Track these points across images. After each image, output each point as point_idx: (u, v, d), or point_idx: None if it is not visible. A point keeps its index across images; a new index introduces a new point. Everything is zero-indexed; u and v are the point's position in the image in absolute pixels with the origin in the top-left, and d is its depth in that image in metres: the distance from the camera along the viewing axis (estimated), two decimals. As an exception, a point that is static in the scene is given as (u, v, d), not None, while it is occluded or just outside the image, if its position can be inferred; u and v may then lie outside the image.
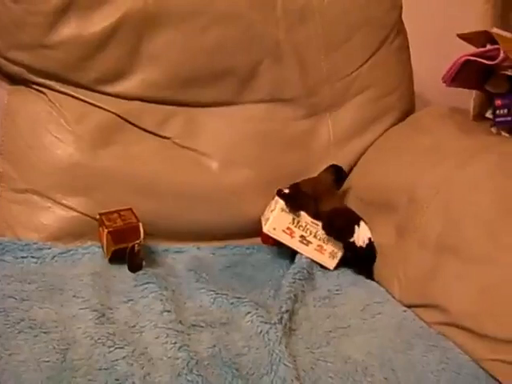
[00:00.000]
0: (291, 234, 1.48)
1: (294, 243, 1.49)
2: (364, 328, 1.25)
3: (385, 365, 1.13)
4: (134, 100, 1.61)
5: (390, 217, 1.49)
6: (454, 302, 1.24)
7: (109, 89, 1.59)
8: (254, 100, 1.69)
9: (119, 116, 1.59)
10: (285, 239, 1.49)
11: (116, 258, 1.43)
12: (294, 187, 1.54)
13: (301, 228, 1.48)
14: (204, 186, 1.60)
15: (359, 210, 1.58)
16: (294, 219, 1.49)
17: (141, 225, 1.43)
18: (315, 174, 1.67)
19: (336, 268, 1.50)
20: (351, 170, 1.72)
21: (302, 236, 1.49)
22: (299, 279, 1.39)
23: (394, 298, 1.38)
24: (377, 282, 1.44)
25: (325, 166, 1.68)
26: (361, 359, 1.14)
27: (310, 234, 1.48)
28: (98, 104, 1.58)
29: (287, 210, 1.49)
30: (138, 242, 1.40)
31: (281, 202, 1.50)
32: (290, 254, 1.52)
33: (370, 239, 1.46)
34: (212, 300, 1.32)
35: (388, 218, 1.50)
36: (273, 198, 1.55)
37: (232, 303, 1.30)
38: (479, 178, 1.34)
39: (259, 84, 1.67)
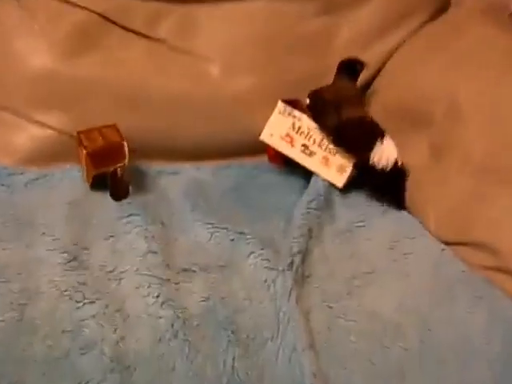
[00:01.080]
0: (291, 142, 1.23)
1: (294, 153, 1.23)
2: (393, 272, 1.00)
3: (420, 323, 0.87)
4: (117, -5, 1.31)
5: (424, 131, 1.22)
6: (505, 240, 0.98)
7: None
8: (256, -5, 1.38)
9: (101, 15, 1.30)
10: (283, 148, 1.24)
11: (98, 183, 1.19)
12: (314, 95, 1.26)
13: (302, 135, 1.22)
14: (203, 94, 1.33)
15: (386, 125, 1.29)
16: (293, 124, 1.22)
17: (125, 144, 1.18)
18: (330, 80, 1.37)
19: (357, 193, 1.22)
20: (375, 76, 1.42)
21: (304, 145, 1.22)
22: (314, 208, 1.13)
23: (429, 232, 1.11)
24: (408, 212, 1.16)
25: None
26: (390, 315, 0.89)
27: (314, 142, 1.22)
28: (76, 1, 1.28)
29: (286, 113, 1.22)
30: (120, 165, 1.14)
31: (279, 104, 1.24)
32: (304, 176, 1.25)
33: (396, 161, 1.16)
34: (209, 235, 1.08)
35: (421, 133, 1.23)
36: None
37: (233, 240, 1.07)
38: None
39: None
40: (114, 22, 1.32)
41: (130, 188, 1.18)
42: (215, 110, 1.33)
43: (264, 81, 1.36)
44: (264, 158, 1.35)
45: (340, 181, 1.21)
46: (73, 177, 1.21)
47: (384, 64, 1.42)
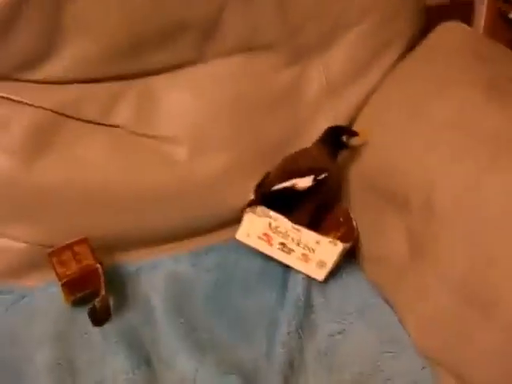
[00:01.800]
0: (269, 241, 1.20)
1: (273, 251, 1.21)
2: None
3: None
4: (68, 84, 1.21)
5: (402, 216, 1.17)
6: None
7: (32, 75, 1.20)
8: (221, 53, 1.28)
9: (53, 111, 1.22)
10: (262, 247, 1.21)
11: (79, 302, 1.17)
12: (263, 185, 1.23)
13: (280, 234, 1.19)
14: (172, 182, 1.27)
15: (363, 197, 1.25)
16: (270, 224, 1.19)
17: (99, 267, 1.15)
18: (308, 137, 1.31)
19: (336, 281, 1.21)
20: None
21: (282, 243, 1.20)
22: (295, 323, 1.12)
23: (409, 335, 1.11)
24: (390, 308, 1.15)
25: (319, 124, 1.30)
26: None
27: (292, 240, 1.19)
28: (24, 100, 1.20)
29: (261, 214, 1.19)
30: (97, 300, 1.13)
31: (256, 208, 1.21)
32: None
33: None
34: (194, 371, 1.08)
35: (399, 217, 1.18)
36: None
37: (216, 376, 1.06)
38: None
39: (225, 33, 1.26)
40: (67, 116, 1.23)
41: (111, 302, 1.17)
42: (188, 196, 1.28)
43: (238, 154, 1.29)
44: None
45: (320, 275, 1.19)
46: (51, 294, 1.19)
47: (357, 114, 1.33)
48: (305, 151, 1.26)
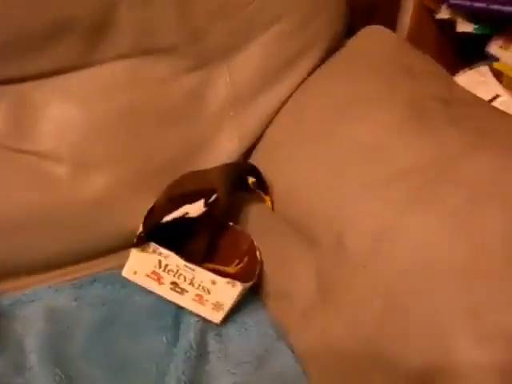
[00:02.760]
0: (159, 280, 1.05)
1: (164, 291, 1.06)
2: None
3: None
4: None
5: (311, 250, 1.05)
6: None
7: None
8: (111, 57, 1.10)
9: None
10: (151, 286, 1.07)
11: None
12: (150, 217, 1.06)
13: (171, 273, 1.04)
14: (51, 203, 1.10)
15: (266, 218, 1.12)
16: (160, 261, 1.04)
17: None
18: (208, 155, 1.16)
19: (235, 320, 1.08)
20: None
21: (173, 283, 1.05)
22: (186, 377, 0.99)
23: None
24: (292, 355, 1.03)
25: (224, 140, 1.15)
26: None
27: (185, 280, 1.04)
28: None
29: (150, 250, 1.04)
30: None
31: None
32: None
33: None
34: None
35: (308, 251, 1.05)
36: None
37: None
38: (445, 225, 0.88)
39: (116, 35, 1.08)
40: None
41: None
42: (68, 219, 1.11)
43: (124, 174, 1.13)
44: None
45: (217, 318, 1.06)
46: None
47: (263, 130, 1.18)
48: (193, 173, 1.11)
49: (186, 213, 1.04)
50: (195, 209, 1.04)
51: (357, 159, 1.02)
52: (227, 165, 1.13)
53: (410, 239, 0.91)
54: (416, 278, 0.89)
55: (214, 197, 1.06)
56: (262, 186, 1.10)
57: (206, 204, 1.05)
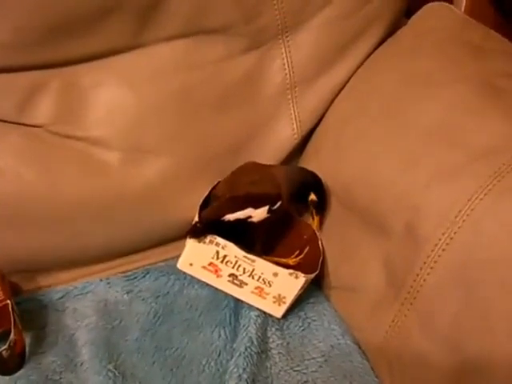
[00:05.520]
0: (216, 272, 0.97)
1: (221, 284, 0.98)
2: None
3: None
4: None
5: (378, 240, 0.95)
6: None
7: None
8: (162, 37, 1.02)
9: (-46, 108, 0.95)
10: (208, 278, 0.98)
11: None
12: (211, 211, 0.98)
13: (229, 264, 0.96)
14: (102, 193, 1.03)
15: (331, 207, 1.03)
16: (217, 252, 0.95)
17: (10, 304, 0.92)
18: (265, 141, 1.07)
19: (297, 314, 1.00)
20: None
21: (232, 275, 0.97)
22: (247, 376, 0.91)
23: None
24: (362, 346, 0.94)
25: (283, 124, 1.07)
26: None
27: (244, 271, 0.96)
28: None
29: (206, 241, 0.95)
30: (5, 347, 0.90)
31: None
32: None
33: None
34: None
35: (375, 241, 0.96)
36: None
37: None
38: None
39: (169, 14, 1.00)
40: (-28, 113, 0.97)
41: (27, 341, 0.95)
42: (120, 209, 1.04)
43: (179, 161, 1.05)
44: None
45: (278, 312, 0.98)
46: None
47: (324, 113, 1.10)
48: (257, 166, 1.02)
49: (250, 216, 0.95)
50: (258, 214, 0.96)
51: (428, 141, 0.92)
52: (294, 169, 1.05)
53: (490, 226, 0.81)
54: (498, 268, 0.79)
55: (278, 204, 0.98)
56: (321, 205, 1.02)
57: (269, 211, 0.97)
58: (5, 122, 0.98)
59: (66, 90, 1.00)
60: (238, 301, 1.00)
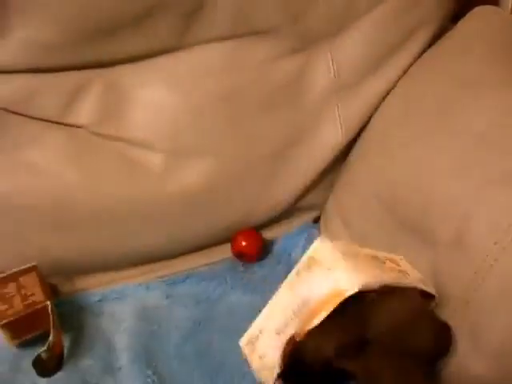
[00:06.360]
0: None
1: None
2: None
3: None
4: (18, 74, 0.95)
5: (425, 248, 0.92)
6: None
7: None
8: (208, 39, 1.00)
9: (-1, 107, 0.94)
10: None
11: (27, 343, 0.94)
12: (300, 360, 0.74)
13: None
14: (144, 195, 1.01)
15: (377, 214, 1.00)
16: None
17: (49, 305, 0.90)
18: (311, 143, 1.05)
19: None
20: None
21: None
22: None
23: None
24: None
25: (328, 127, 1.05)
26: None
27: None
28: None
29: None
30: (44, 349, 0.89)
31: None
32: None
33: None
34: None
35: (423, 251, 0.92)
36: None
37: None
38: None
39: (215, 15, 0.98)
40: (16, 113, 0.97)
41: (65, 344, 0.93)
42: (161, 212, 1.02)
43: (223, 164, 1.03)
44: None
45: None
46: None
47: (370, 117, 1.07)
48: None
49: None
50: None
51: (476, 149, 0.89)
52: None
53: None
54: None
55: None
56: None
57: None
58: (48, 121, 0.97)
59: (109, 91, 0.99)
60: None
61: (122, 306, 1.00)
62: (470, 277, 0.82)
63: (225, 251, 1.05)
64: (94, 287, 1.02)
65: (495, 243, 0.80)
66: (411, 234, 0.94)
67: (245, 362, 0.90)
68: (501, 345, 0.78)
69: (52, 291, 0.97)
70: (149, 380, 0.90)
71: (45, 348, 0.88)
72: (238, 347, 0.92)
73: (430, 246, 0.90)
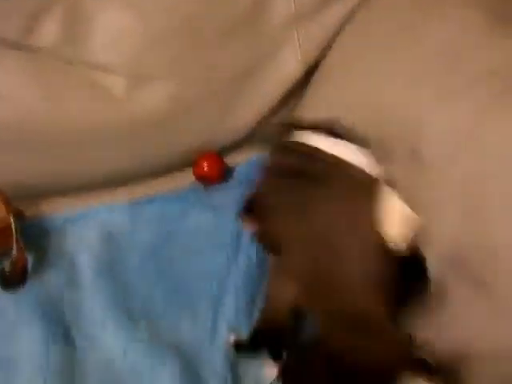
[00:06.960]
0: None
1: None
2: None
3: None
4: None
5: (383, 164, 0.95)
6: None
7: None
8: (170, -37, 1.00)
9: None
10: None
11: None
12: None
13: None
14: (107, 117, 1.02)
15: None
16: None
17: (13, 222, 0.92)
18: (270, 72, 1.06)
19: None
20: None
21: None
22: (246, 296, 0.92)
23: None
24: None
25: (287, 53, 1.06)
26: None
27: None
28: None
29: None
30: (6, 262, 0.90)
31: None
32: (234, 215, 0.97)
33: None
34: (122, 351, 0.86)
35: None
36: None
37: (149, 356, 0.85)
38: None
39: None
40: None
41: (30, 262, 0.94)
42: (125, 135, 1.04)
43: (184, 88, 1.04)
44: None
45: None
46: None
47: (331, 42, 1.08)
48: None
49: None
50: None
51: (433, 65, 0.91)
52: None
53: (493, 147, 0.80)
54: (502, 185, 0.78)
55: None
56: None
57: None
58: (7, 44, 0.97)
59: (70, 13, 0.99)
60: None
61: (85, 227, 1.01)
62: (424, 190, 0.85)
63: (188, 176, 1.06)
64: (58, 210, 1.02)
65: (450, 154, 0.82)
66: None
67: (205, 275, 0.93)
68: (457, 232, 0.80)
69: (16, 215, 0.97)
70: (111, 290, 0.91)
71: (8, 261, 0.89)
72: (201, 264, 0.95)
73: (387, 162, 0.92)
